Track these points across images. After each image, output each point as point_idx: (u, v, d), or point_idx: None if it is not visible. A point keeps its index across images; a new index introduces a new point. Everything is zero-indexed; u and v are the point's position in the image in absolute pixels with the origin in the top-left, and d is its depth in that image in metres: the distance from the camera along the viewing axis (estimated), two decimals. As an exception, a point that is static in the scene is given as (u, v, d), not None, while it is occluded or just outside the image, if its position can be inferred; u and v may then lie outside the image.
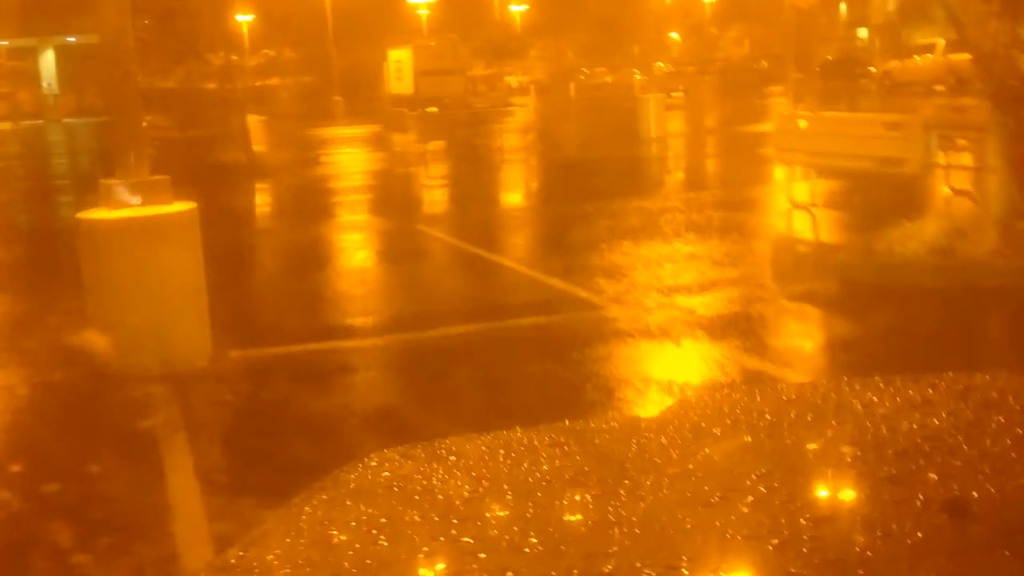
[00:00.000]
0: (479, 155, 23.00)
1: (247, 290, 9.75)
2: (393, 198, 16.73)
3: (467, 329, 7.61)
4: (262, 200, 18.28)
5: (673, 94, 47.26)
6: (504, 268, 9.78)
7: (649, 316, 7.83)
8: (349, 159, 24.10)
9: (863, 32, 62.94)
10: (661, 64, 67.92)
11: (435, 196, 17.11)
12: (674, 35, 75.34)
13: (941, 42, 37.60)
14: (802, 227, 11.00)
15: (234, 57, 69.85)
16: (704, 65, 60.82)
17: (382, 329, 7.88)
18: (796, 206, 11.32)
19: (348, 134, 33.44)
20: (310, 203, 15.74)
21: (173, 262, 6.63)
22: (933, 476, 1.43)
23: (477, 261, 10.22)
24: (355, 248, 12.00)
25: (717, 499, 1.42)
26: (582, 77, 66.63)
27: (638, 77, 64.46)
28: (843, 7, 66.57)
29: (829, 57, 54.80)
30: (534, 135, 29.46)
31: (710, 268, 9.55)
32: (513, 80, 63.75)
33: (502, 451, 1.68)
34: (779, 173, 14.66)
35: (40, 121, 56.01)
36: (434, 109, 29.25)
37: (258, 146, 28.05)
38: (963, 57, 36.94)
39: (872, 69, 51.08)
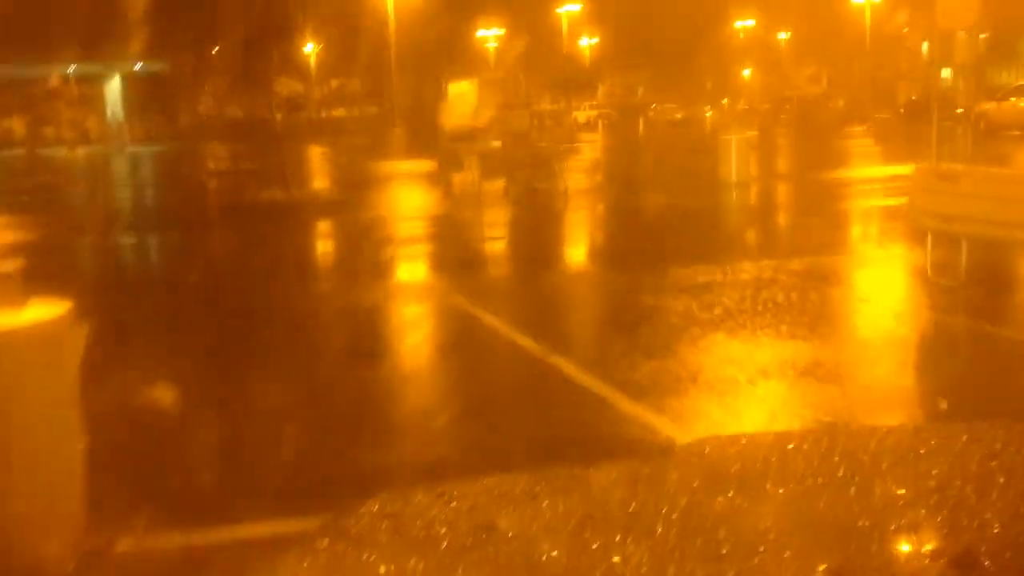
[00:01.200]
0: (540, 200, 20.36)
1: (185, 416, 6.28)
2: (434, 256, 14.10)
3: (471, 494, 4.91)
4: (272, 252, 14.89)
5: (747, 133, 44.71)
6: (556, 375, 7.00)
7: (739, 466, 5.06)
8: (397, 200, 21.59)
9: (946, 72, 59.38)
10: (726, 101, 65.02)
11: (485, 254, 14.22)
12: (746, 72, 72.39)
13: (1043, 82, 34.28)
14: (970, 323, 8.15)
15: (300, 87, 68.73)
16: (778, 103, 57.76)
17: (354, 489, 5.19)
18: (948, 288, 8.55)
19: (404, 170, 31.04)
20: (331, 259, 13.30)
21: (13, 407, 4.05)
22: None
23: (522, 362, 7.46)
24: (364, 338, 8.59)
25: None
26: (651, 113, 64.01)
27: (709, 114, 61.73)
28: (924, 45, 63.14)
29: (913, 97, 51.47)
30: (601, 176, 26.78)
31: (843, 388, 6.75)
32: (580, 115, 61.23)
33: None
34: (903, 235, 11.88)
35: (102, 148, 54.75)
36: (497, 144, 26.53)
37: (307, 182, 25.83)
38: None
39: (960, 111, 47.70)
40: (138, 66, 60.09)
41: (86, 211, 21.59)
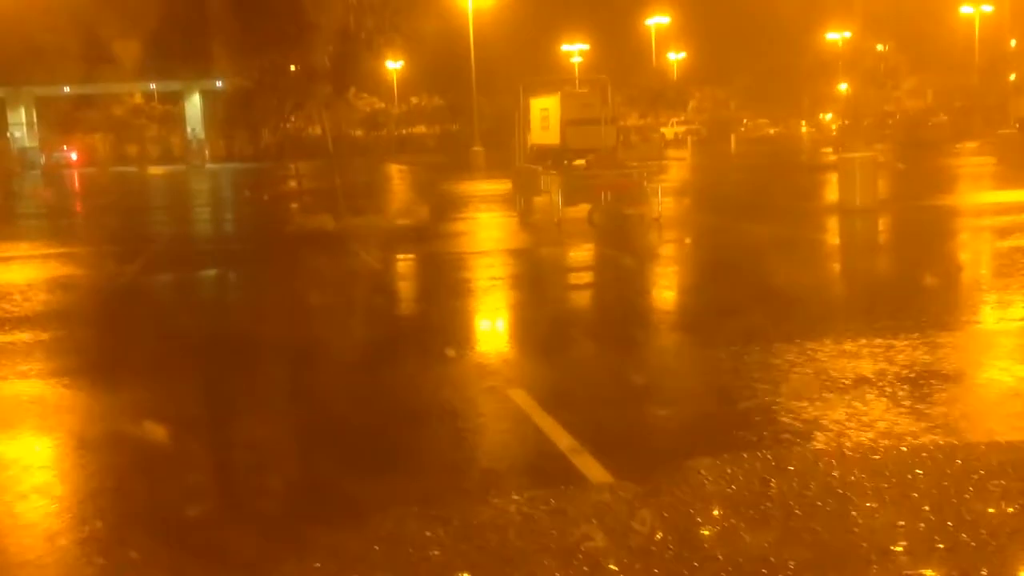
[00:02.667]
0: (629, 231, 17.11)
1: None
2: (490, 310, 10.71)
3: None
4: (275, 307, 11.09)
5: (858, 153, 40.85)
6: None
7: None
8: (466, 232, 18.27)
9: (1064, 84, 54.50)
10: (827, 116, 60.85)
11: (562, 315, 10.34)
12: (843, 86, 68.02)
13: None
14: None
15: (381, 104, 66.40)
16: (881, 118, 53.49)
17: None
18: None
19: (482, 191, 28.02)
20: (351, 319, 9.73)
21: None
22: None
23: (585, 504, 4.20)
24: (368, 468, 5.24)
25: None
26: (742, 129, 60.21)
27: (805, 129, 57.80)
28: (1036, 56, 58.25)
29: (1031, 112, 46.90)
30: (693, 200, 23.40)
31: None
32: (668, 131, 57.68)
33: None
34: None
35: (181, 166, 52.96)
36: (581, 162, 23.08)
37: (373, 206, 22.96)
38: None
39: (1084, 126, 43.14)
40: (219, 83, 58.28)
41: (120, 239, 18.86)
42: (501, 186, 24.71)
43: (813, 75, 62.33)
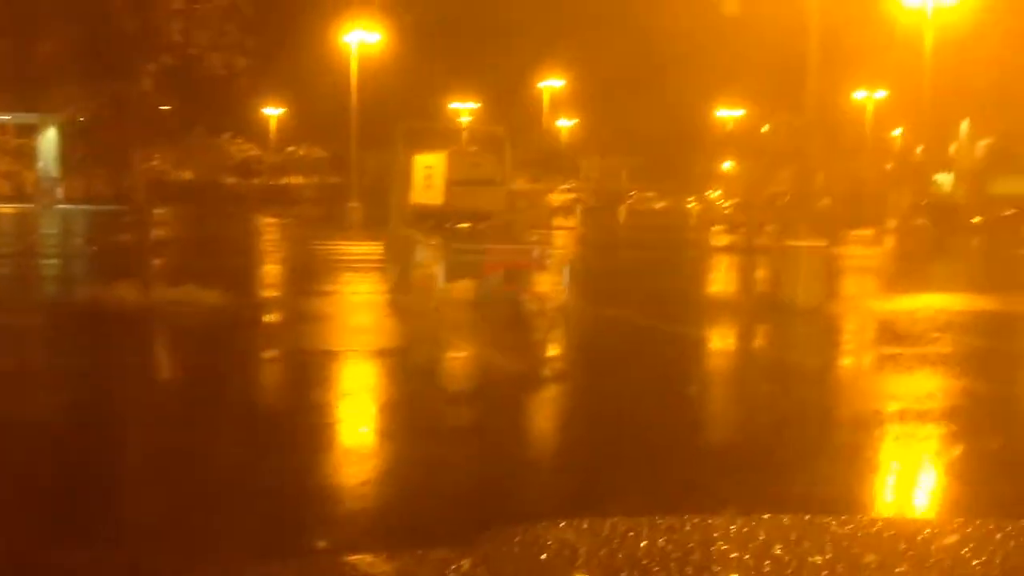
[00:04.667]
0: (523, 329, 13.19)
1: None
2: (300, 449, 6.71)
3: None
4: None
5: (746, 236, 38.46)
6: None
7: None
8: (317, 317, 13.64)
9: (947, 177, 53.54)
10: (715, 193, 58.74)
11: (409, 489, 6.35)
12: (727, 164, 66.33)
13: None
14: None
15: (256, 151, 61.68)
16: (770, 198, 51.36)
17: None
18: None
19: (354, 254, 24.00)
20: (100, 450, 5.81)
21: None
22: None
23: None
24: None
25: None
26: (629, 200, 57.50)
27: (692, 205, 55.51)
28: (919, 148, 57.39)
29: (924, 202, 45.36)
30: (597, 283, 19.65)
31: None
32: (555, 198, 54.41)
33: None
34: None
35: (30, 205, 47.30)
36: (466, 225, 19.02)
37: (210, 268, 18.66)
38: None
39: (976, 219, 41.63)
40: (80, 118, 52.79)
41: None
42: (375, 249, 20.65)
43: (702, 151, 60.41)
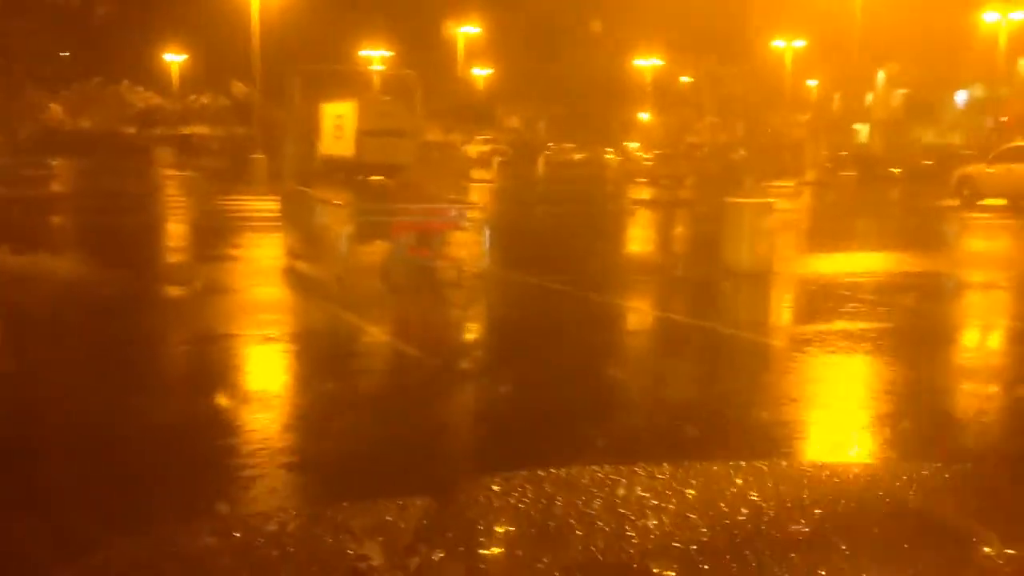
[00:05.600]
0: (437, 305, 11.57)
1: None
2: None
3: None
4: None
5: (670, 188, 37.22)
6: None
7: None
8: (201, 293, 11.79)
9: (863, 128, 53.15)
10: (635, 144, 57.53)
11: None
12: (645, 115, 65.11)
13: (1050, 145, 27.35)
14: None
15: (158, 100, 58.53)
16: (688, 149, 50.34)
17: None
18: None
19: (254, 210, 22.15)
20: None
21: None
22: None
23: None
24: None
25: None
26: (548, 152, 55.98)
27: (610, 156, 54.17)
28: (836, 97, 56.94)
29: (844, 152, 44.79)
30: (517, 246, 18.04)
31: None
32: (472, 150, 52.60)
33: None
34: None
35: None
36: (380, 178, 17.21)
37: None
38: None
39: (895, 170, 41.12)
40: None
41: None
42: (273, 204, 18.81)
43: (621, 101, 59.08)
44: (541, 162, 49.05)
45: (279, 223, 15.61)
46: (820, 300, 11.48)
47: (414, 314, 10.62)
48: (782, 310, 11.56)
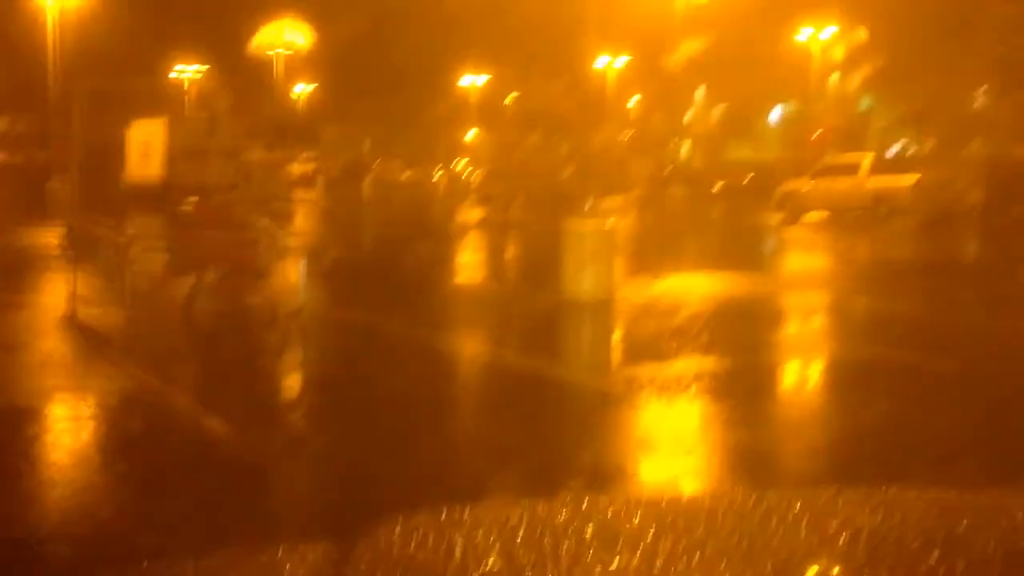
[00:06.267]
0: (247, 347, 10.17)
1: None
2: None
3: None
4: None
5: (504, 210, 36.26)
6: None
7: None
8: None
9: (684, 143, 53.97)
10: (463, 162, 56.84)
11: None
12: (472, 132, 64.53)
13: (867, 160, 27.92)
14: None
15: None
16: (517, 168, 49.93)
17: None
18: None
19: (43, 245, 19.96)
20: None
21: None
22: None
23: None
24: None
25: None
26: (374, 171, 54.64)
27: (439, 175, 53.38)
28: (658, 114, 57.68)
29: (667, 169, 45.28)
30: (340, 273, 16.69)
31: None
32: (296, 168, 50.58)
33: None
34: None
35: None
36: (193, 199, 15.69)
37: None
38: (894, 180, 27.73)
39: (717, 185, 41.69)
40: None
41: None
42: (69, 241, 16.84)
43: (447, 118, 58.33)
44: (367, 182, 47.68)
45: (66, 260, 13.83)
46: (665, 331, 10.74)
47: (221, 369, 9.23)
48: (624, 344, 10.72)
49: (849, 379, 8.72)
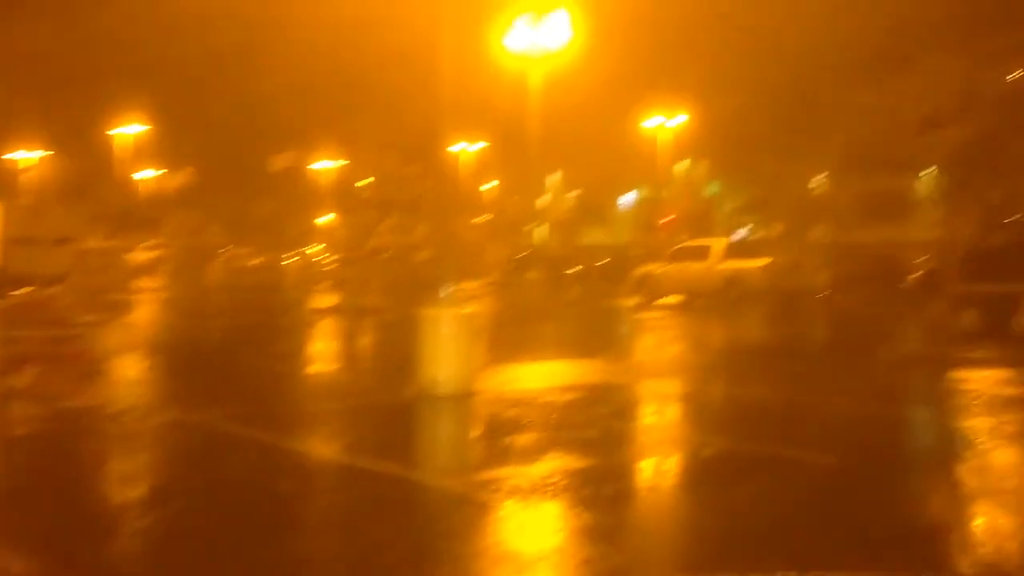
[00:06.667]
0: (32, 463, 8.96)
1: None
2: None
3: None
4: None
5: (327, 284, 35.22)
6: None
7: None
8: None
9: (540, 228, 54.27)
10: (317, 247, 55.77)
11: None
12: (326, 218, 63.53)
13: (720, 244, 28.27)
14: None
15: None
16: (371, 252, 49.26)
17: None
18: None
19: None
20: None
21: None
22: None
23: None
24: None
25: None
26: (223, 257, 52.96)
27: (291, 261, 52.11)
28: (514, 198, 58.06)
29: (524, 253, 45.29)
30: (161, 373, 15.47)
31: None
32: (138, 255, 48.50)
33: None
34: None
35: None
36: (28, 289, 14.34)
37: None
38: (745, 264, 28.05)
39: (573, 269, 41.85)
40: None
41: None
42: None
43: (300, 203, 57.30)
44: (214, 268, 46.07)
45: None
46: (525, 426, 10.07)
47: (31, 492, 8.02)
48: (483, 442, 9.94)
49: (714, 476, 8.22)
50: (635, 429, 10.45)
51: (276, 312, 29.32)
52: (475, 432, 10.39)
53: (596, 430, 9.89)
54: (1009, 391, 12.18)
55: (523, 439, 9.41)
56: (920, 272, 20.59)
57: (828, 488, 7.60)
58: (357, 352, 19.59)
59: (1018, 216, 17.85)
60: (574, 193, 55.78)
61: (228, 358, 17.06)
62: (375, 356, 19.01)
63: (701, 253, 27.79)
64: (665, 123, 44.90)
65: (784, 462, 8.40)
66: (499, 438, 9.52)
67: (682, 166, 49.23)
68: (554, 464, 8.37)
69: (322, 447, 9.70)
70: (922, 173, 22.82)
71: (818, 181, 44.70)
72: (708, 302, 27.14)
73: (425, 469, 8.49)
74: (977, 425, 10.10)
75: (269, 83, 43.14)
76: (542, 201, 54.97)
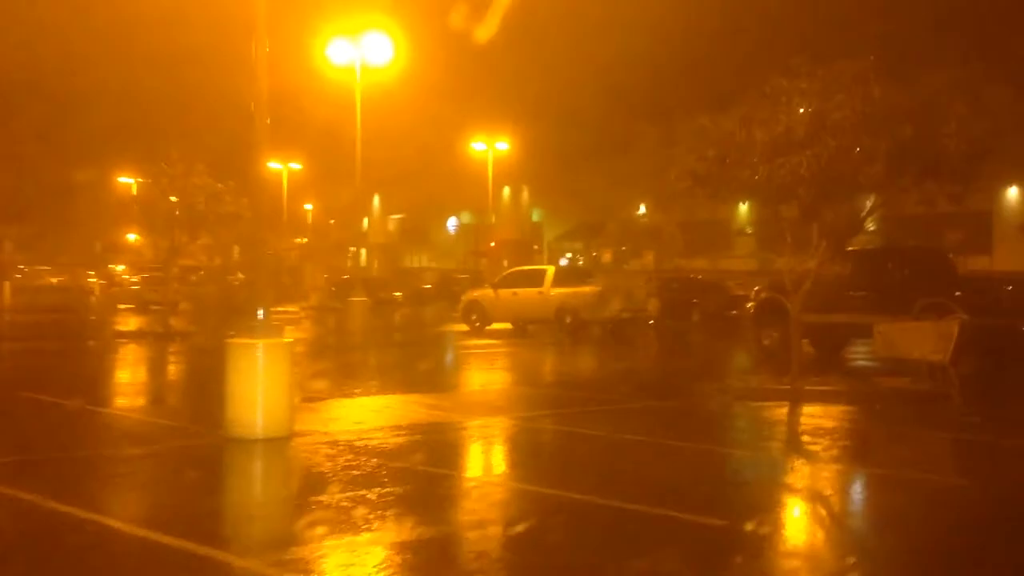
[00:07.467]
0: None
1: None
2: None
3: None
4: None
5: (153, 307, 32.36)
6: None
7: None
8: None
9: (361, 251, 52.61)
10: (121, 267, 52.14)
11: None
12: (132, 236, 59.65)
13: (550, 271, 27.38)
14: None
15: None
16: (183, 273, 46.21)
17: None
18: None
19: None
20: None
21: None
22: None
23: None
24: None
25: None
26: (18, 276, 48.86)
27: (93, 280, 48.60)
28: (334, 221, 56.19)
29: (345, 276, 43.58)
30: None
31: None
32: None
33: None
34: None
35: None
36: None
37: None
38: (575, 290, 27.17)
39: (397, 294, 40.49)
40: None
41: None
42: None
43: (104, 219, 53.50)
44: (7, 287, 42.18)
45: None
46: (349, 482, 8.57)
47: None
48: (297, 503, 8.27)
49: (548, 538, 7.01)
50: (465, 484, 9.10)
51: (75, 336, 26.63)
52: (288, 488, 8.84)
53: (424, 484, 8.56)
54: (830, 424, 11.93)
55: (342, 498, 7.93)
56: (755, 302, 20.25)
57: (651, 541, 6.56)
58: (159, 385, 17.51)
59: (855, 247, 17.68)
60: (397, 216, 54.44)
61: (6, 391, 14.76)
62: (179, 390, 17.02)
63: (533, 279, 26.90)
64: (487, 150, 44.22)
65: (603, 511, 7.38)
66: (316, 495, 8.01)
67: (507, 192, 48.70)
68: (379, 534, 6.94)
69: (100, 508, 7.92)
70: (743, 203, 22.62)
71: (644, 209, 44.93)
72: (539, 328, 26.28)
73: (222, 541, 6.89)
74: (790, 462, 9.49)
75: (75, 88, 40.07)
76: (364, 224, 53.46)
